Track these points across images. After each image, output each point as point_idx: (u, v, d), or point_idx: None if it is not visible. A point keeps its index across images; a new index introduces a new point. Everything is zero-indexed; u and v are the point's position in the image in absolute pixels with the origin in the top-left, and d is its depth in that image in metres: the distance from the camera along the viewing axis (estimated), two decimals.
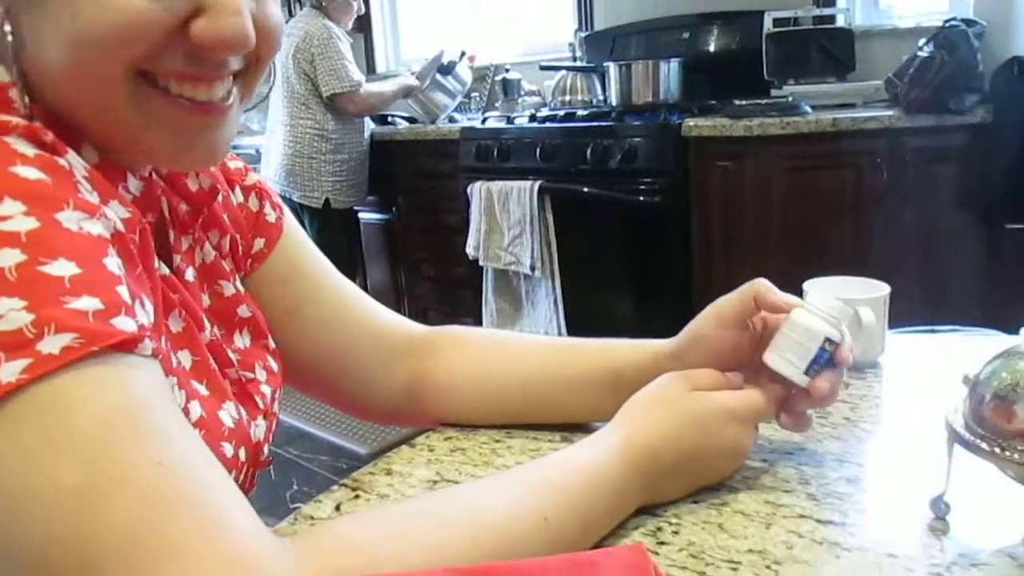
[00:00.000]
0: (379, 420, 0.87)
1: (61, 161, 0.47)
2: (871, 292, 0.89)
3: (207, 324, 0.63)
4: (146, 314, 0.48)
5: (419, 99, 3.39)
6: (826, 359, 0.65)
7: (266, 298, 0.72)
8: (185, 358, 0.59)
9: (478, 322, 3.02)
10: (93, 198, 0.47)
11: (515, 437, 0.76)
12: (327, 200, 3.13)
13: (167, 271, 0.60)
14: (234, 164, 0.74)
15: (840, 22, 2.71)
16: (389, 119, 3.50)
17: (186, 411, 0.55)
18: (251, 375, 0.67)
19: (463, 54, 3.51)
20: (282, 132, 3.12)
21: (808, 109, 2.38)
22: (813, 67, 2.62)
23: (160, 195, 0.63)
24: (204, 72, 0.52)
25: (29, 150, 0.46)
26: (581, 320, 2.73)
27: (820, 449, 0.71)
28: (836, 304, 0.65)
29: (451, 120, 3.37)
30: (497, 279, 2.96)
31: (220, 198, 0.69)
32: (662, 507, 0.62)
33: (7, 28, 0.49)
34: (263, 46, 0.54)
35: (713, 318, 0.70)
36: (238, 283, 0.70)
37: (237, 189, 0.73)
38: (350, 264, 3.32)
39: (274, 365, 0.70)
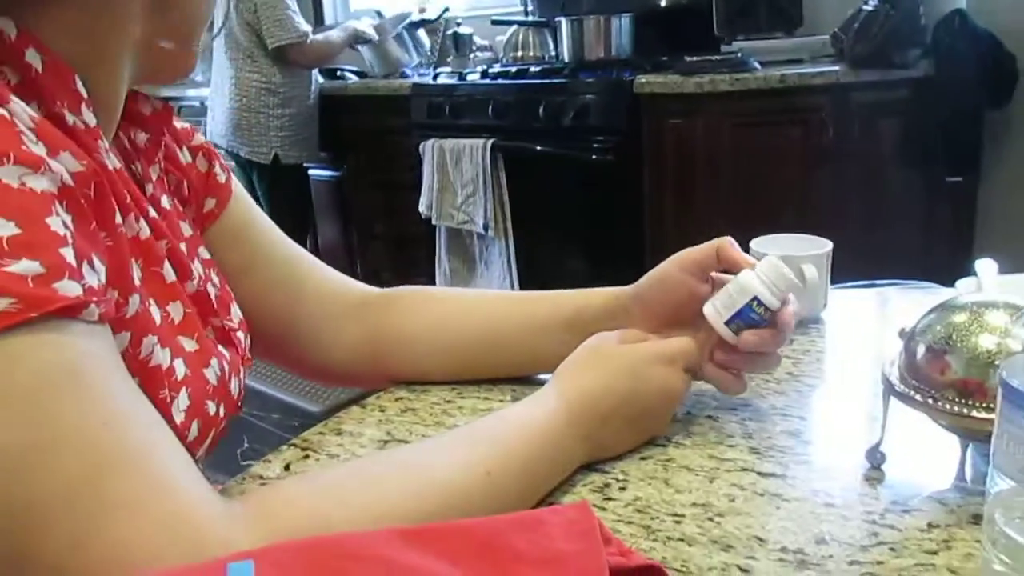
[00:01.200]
0: (333, 382, 0.88)
1: (2, 111, 0.44)
2: (814, 249, 0.91)
3: (194, 272, 0.62)
4: (96, 274, 0.47)
5: (378, 51, 3.32)
6: (754, 318, 0.66)
7: (217, 259, 0.71)
8: (176, 311, 0.58)
9: (431, 282, 3.01)
10: (39, 149, 0.45)
11: (466, 397, 0.77)
12: (276, 156, 3.06)
13: (155, 214, 0.59)
14: (180, 124, 0.72)
15: None
16: (338, 73, 3.42)
17: (171, 370, 0.54)
18: (232, 324, 0.67)
19: (443, 13, 3.45)
20: (227, 86, 3.03)
21: (757, 65, 2.39)
22: (762, 22, 2.63)
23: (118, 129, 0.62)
24: None
25: None
26: (535, 279, 2.74)
27: (764, 404, 0.73)
28: (784, 274, 0.66)
29: (402, 75, 3.32)
30: (450, 238, 2.95)
31: (163, 144, 0.67)
32: (609, 464, 0.63)
33: None
34: None
35: (677, 262, 0.72)
36: (193, 228, 0.69)
37: (185, 149, 0.72)
38: (301, 222, 3.27)
39: (239, 312, 0.70)
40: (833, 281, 0.94)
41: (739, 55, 2.46)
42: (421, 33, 3.41)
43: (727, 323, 0.67)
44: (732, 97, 2.31)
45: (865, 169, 2.34)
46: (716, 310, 0.67)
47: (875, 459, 0.61)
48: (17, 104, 0.46)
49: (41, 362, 0.41)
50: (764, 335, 0.67)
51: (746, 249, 0.92)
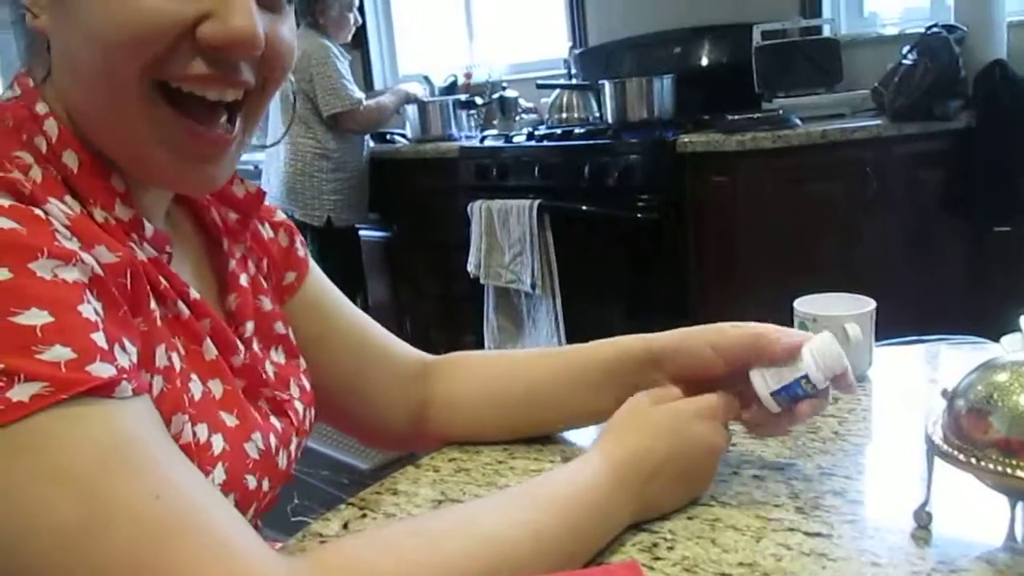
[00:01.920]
0: (390, 446, 0.90)
1: (38, 211, 0.48)
2: (858, 308, 0.92)
3: (240, 348, 0.65)
4: (127, 355, 0.49)
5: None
6: (799, 395, 0.68)
7: (293, 329, 0.75)
8: (216, 387, 0.60)
9: (479, 340, 3.05)
10: (71, 244, 0.48)
11: (517, 458, 0.79)
12: (329, 218, 3.16)
13: (196, 296, 0.62)
14: (265, 201, 0.76)
15: (826, 32, 2.75)
16: (388, 136, 3.53)
17: (208, 445, 0.56)
18: (285, 396, 0.69)
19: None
20: (283, 151, 3.14)
21: (798, 122, 2.42)
22: (802, 78, 2.66)
23: (209, 208, 0.67)
24: (216, 74, 0.55)
25: (5, 201, 0.47)
26: (582, 337, 2.69)
27: (809, 463, 0.73)
28: (837, 354, 0.67)
29: (450, 138, 3.41)
30: (498, 297, 2.98)
31: (251, 225, 0.72)
32: (657, 523, 0.65)
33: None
34: (274, 66, 0.58)
35: (712, 342, 0.71)
36: (273, 303, 0.73)
37: (267, 224, 0.76)
38: (353, 282, 3.34)
39: (306, 383, 0.73)
40: (880, 335, 0.95)
41: (780, 112, 2.49)
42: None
43: (773, 394, 0.68)
44: (774, 154, 2.33)
45: (910, 221, 2.34)
46: (764, 380, 0.68)
47: (922, 519, 0.61)
48: (53, 204, 0.49)
49: (88, 439, 0.44)
50: (816, 405, 0.68)
51: (791, 310, 0.94)
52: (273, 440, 0.64)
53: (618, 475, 0.62)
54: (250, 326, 0.68)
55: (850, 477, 0.71)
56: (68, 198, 0.53)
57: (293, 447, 0.69)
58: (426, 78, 3.84)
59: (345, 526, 0.70)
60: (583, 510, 0.60)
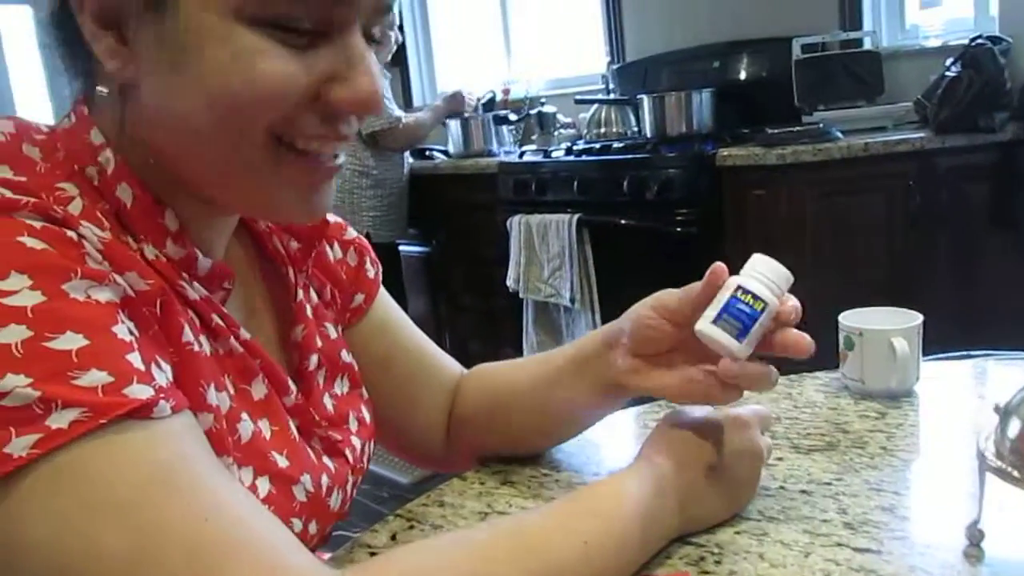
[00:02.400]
0: (431, 465, 0.91)
1: (70, 233, 0.48)
2: (904, 322, 0.91)
3: (292, 388, 0.65)
4: (163, 373, 0.49)
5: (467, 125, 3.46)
6: (743, 310, 0.62)
7: (361, 350, 0.76)
8: (265, 426, 0.61)
9: (519, 354, 3.06)
10: (102, 266, 0.48)
11: (562, 471, 0.80)
12: (368, 234, 3.19)
13: (247, 336, 0.62)
14: (332, 219, 0.77)
15: (867, 45, 2.73)
16: (427, 152, 3.57)
17: (253, 488, 0.57)
18: (339, 436, 0.69)
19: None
20: None
21: (839, 135, 2.40)
22: (842, 91, 2.64)
23: (271, 235, 0.68)
24: (334, 132, 0.56)
25: (36, 222, 0.47)
26: None
27: (857, 479, 0.73)
28: (773, 266, 0.63)
29: (488, 154, 3.44)
30: (537, 311, 2.99)
31: (313, 253, 0.72)
32: (704, 536, 0.65)
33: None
34: (373, 110, 0.58)
35: (651, 309, 0.70)
36: (338, 329, 0.74)
37: (336, 244, 0.77)
38: (394, 297, 3.36)
39: (367, 415, 0.74)
40: (927, 351, 0.94)
41: (821, 125, 2.47)
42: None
43: (714, 322, 0.62)
44: (815, 167, 2.32)
45: (955, 235, 2.30)
46: (704, 317, 0.64)
47: (974, 536, 0.61)
48: (87, 228, 0.49)
49: (130, 465, 0.44)
50: (786, 330, 0.63)
51: (836, 324, 0.94)
52: (325, 480, 0.65)
53: (662, 485, 0.63)
54: (314, 359, 0.69)
55: (899, 493, 0.71)
56: (107, 231, 0.52)
57: (349, 486, 0.69)
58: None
59: (393, 537, 0.71)
60: (629, 520, 0.60)
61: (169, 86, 0.52)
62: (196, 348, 0.55)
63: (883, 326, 0.91)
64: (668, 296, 0.70)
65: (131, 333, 0.48)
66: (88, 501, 0.42)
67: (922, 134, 2.30)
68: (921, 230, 2.29)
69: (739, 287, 0.62)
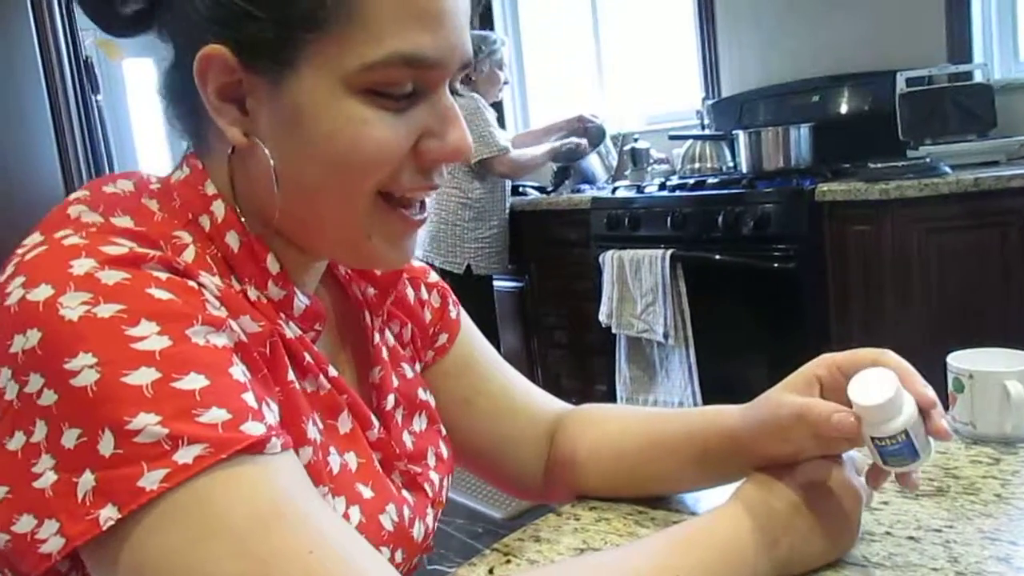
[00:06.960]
0: (522, 496, 0.92)
1: (191, 283, 0.52)
2: (1018, 364, 0.88)
3: (374, 422, 0.68)
4: (272, 413, 0.53)
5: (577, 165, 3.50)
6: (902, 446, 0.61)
7: (443, 389, 0.79)
8: (351, 459, 0.64)
9: (611, 389, 3.04)
10: (221, 312, 0.53)
11: (658, 508, 0.79)
12: (468, 267, 3.25)
13: (335, 373, 0.65)
14: (418, 263, 0.81)
15: (978, 78, 2.64)
16: (520, 189, 3.61)
17: (346, 516, 0.60)
18: (418, 469, 0.72)
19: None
20: (428, 200, 3.26)
21: (947, 169, 2.32)
22: (951, 125, 2.56)
23: (350, 282, 0.72)
24: (428, 182, 0.61)
25: (162, 274, 0.51)
26: (717, 388, 2.70)
27: (969, 527, 0.70)
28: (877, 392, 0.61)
29: (578, 190, 3.46)
30: (630, 347, 2.98)
31: (390, 299, 0.75)
32: None
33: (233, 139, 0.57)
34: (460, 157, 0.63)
35: (780, 438, 0.66)
36: (416, 368, 0.77)
37: (422, 286, 0.80)
38: (485, 332, 3.39)
39: (444, 451, 0.76)
40: None
41: (928, 160, 2.40)
42: (609, 144, 3.56)
43: (885, 464, 0.63)
44: (921, 203, 2.25)
45: None
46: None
47: None
48: (206, 278, 0.54)
49: (245, 498, 0.47)
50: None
51: (944, 366, 0.91)
52: (407, 512, 0.67)
53: (757, 522, 0.62)
54: (391, 398, 0.71)
55: (1016, 543, 0.67)
56: (216, 276, 0.57)
57: (429, 519, 0.71)
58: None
59: (491, 571, 0.72)
60: (720, 556, 0.60)
61: (283, 150, 0.57)
62: (297, 386, 0.59)
63: (995, 367, 0.87)
64: (784, 421, 0.65)
65: (244, 375, 0.52)
66: (206, 529, 0.46)
67: None
68: None
69: (871, 438, 0.61)
